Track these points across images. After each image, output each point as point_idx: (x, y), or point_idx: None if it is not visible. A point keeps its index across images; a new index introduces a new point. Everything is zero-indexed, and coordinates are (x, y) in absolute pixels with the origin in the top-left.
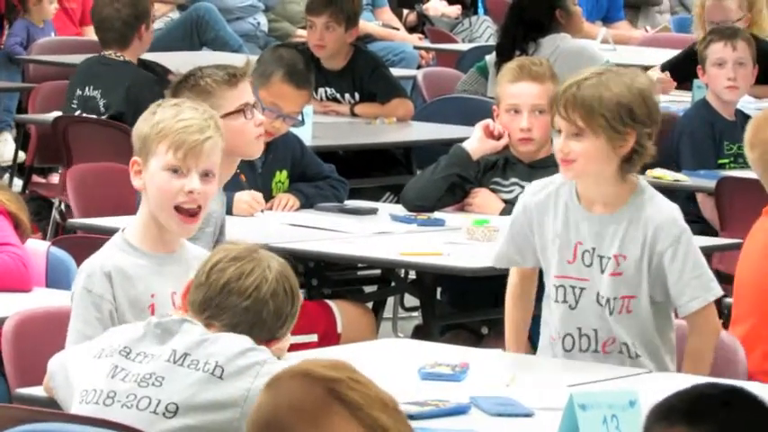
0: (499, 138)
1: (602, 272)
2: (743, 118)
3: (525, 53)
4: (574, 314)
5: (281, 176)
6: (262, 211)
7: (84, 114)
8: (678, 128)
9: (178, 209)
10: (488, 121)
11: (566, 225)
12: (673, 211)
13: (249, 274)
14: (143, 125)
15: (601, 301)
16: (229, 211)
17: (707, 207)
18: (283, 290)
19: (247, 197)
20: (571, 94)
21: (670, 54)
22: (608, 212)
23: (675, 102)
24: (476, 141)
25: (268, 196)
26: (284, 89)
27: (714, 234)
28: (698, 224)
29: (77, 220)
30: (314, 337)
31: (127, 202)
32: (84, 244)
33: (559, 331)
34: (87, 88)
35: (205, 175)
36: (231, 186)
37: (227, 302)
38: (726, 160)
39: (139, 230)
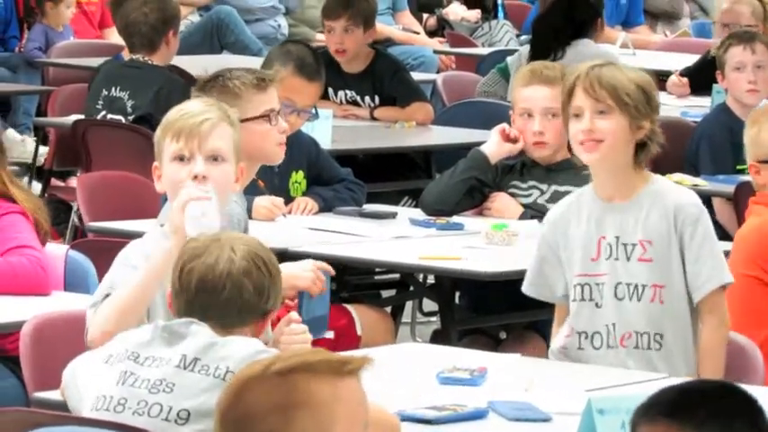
0: (515, 141)
1: (629, 259)
2: None
3: (562, 53)
4: (601, 312)
5: (298, 177)
6: (284, 215)
7: (110, 115)
8: (697, 132)
9: None
10: (504, 125)
11: (588, 223)
12: (691, 194)
13: (215, 265)
14: (158, 130)
15: (620, 293)
16: (249, 215)
17: (723, 213)
18: (255, 266)
19: (267, 202)
20: (596, 74)
21: (689, 59)
22: (629, 198)
23: (693, 107)
24: (493, 145)
25: (285, 197)
26: (295, 83)
27: (730, 240)
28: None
29: (96, 224)
30: (331, 334)
31: (138, 210)
32: (103, 248)
33: (586, 329)
34: (114, 89)
35: (213, 159)
36: (250, 192)
37: (206, 301)
38: (744, 166)
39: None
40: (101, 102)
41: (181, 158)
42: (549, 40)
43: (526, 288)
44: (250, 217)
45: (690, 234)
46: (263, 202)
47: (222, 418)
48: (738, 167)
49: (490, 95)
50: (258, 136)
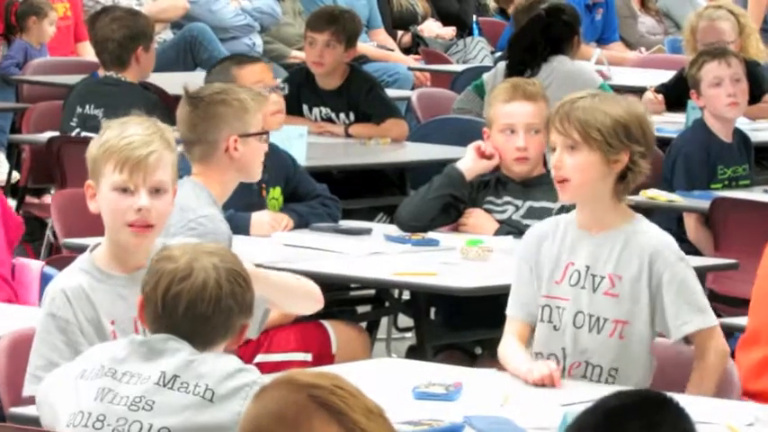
0: (491, 158)
1: (594, 290)
2: (740, 139)
3: (537, 69)
4: (557, 334)
5: (275, 193)
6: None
7: (84, 133)
8: (674, 149)
9: (131, 226)
10: (480, 141)
11: (561, 246)
12: (670, 238)
13: (203, 289)
14: (92, 147)
15: (578, 321)
16: (244, 232)
17: (691, 229)
18: (237, 284)
19: (267, 217)
20: (568, 109)
21: (664, 75)
22: (605, 231)
23: (668, 123)
24: (469, 162)
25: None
26: (248, 71)
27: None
28: (684, 245)
29: (71, 240)
30: (308, 356)
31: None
32: None
33: (543, 351)
34: (88, 106)
35: (156, 191)
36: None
37: (194, 327)
38: (718, 185)
39: (104, 251)
40: (75, 119)
41: (124, 189)
42: (525, 56)
43: (509, 308)
44: (246, 232)
45: (669, 277)
46: (264, 217)
47: (251, 402)
48: (712, 186)
49: (465, 112)
50: (254, 151)
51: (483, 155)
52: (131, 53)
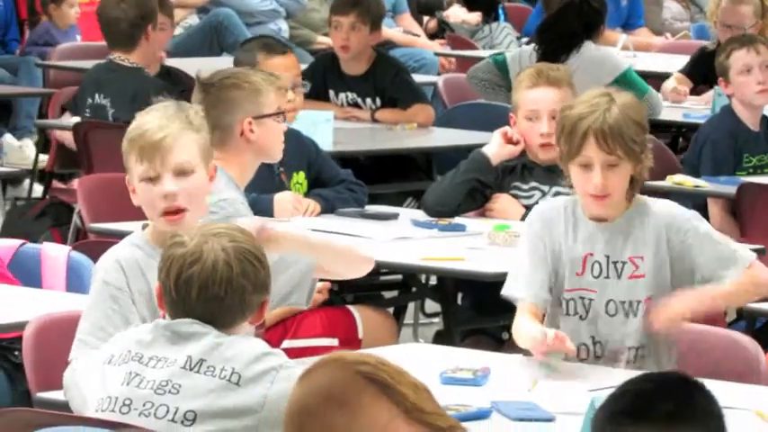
0: (517, 143)
1: (619, 277)
2: (764, 123)
3: (566, 57)
4: (584, 324)
5: (299, 177)
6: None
7: None
8: (701, 135)
9: (165, 215)
10: (506, 127)
11: (575, 237)
12: (672, 204)
13: (213, 271)
14: (123, 142)
15: (611, 309)
16: (269, 213)
17: (716, 217)
18: (249, 262)
19: (290, 197)
20: (608, 124)
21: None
22: (618, 218)
23: (694, 108)
24: (495, 147)
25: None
26: (273, 63)
27: None
28: None
29: (97, 225)
30: (335, 342)
31: (138, 211)
32: (104, 249)
33: (573, 342)
34: (98, 96)
35: (180, 173)
36: (272, 188)
37: (208, 310)
38: (743, 173)
39: (154, 231)
40: (88, 110)
41: (149, 179)
42: (561, 42)
43: (524, 292)
44: (270, 214)
45: (691, 241)
46: (287, 197)
47: (297, 383)
48: (737, 173)
49: (482, 81)
50: (271, 132)
51: (509, 140)
52: (142, 32)
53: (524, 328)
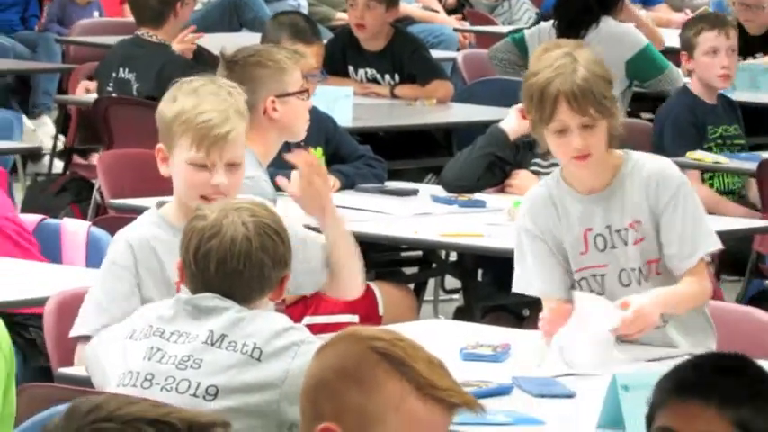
0: None
1: (626, 244)
2: (724, 101)
3: (585, 31)
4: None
5: (317, 153)
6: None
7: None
8: (661, 115)
9: (204, 198)
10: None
11: (568, 218)
12: (667, 163)
13: (232, 244)
14: (165, 110)
15: (624, 279)
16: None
17: (752, 189)
18: (268, 237)
19: None
20: (578, 86)
21: None
22: (606, 186)
23: None
24: (512, 122)
25: None
26: (295, 49)
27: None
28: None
29: (117, 201)
30: (355, 318)
31: (158, 187)
32: (124, 224)
33: None
34: (123, 70)
35: (231, 165)
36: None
37: (227, 283)
38: (711, 144)
39: (175, 209)
40: (111, 84)
41: (201, 165)
42: (578, 17)
43: (541, 290)
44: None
45: (672, 207)
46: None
47: (313, 358)
48: (707, 146)
49: (502, 62)
50: (295, 111)
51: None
52: (171, 9)
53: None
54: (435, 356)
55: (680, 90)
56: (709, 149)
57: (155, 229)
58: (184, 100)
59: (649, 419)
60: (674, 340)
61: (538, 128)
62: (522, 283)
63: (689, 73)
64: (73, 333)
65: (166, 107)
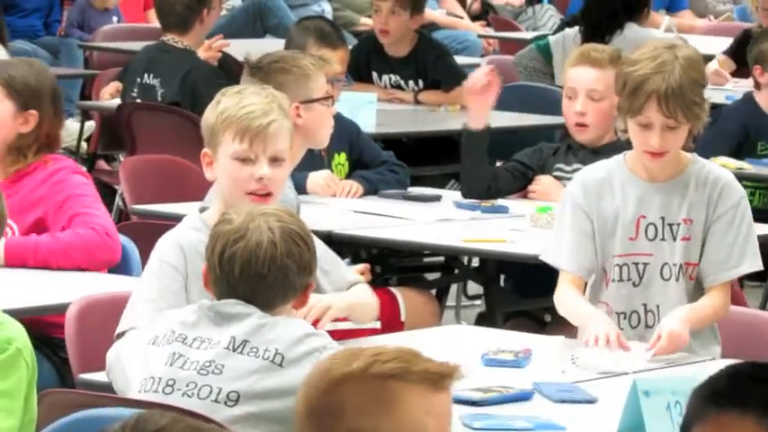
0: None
1: (675, 239)
2: None
3: (610, 37)
4: (638, 291)
5: (341, 159)
6: (335, 195)
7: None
8: (713, 118)
9: (251, 194)
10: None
11: (625, 201)
12: (732, 175)
13: (257, 249)
14: (210, 115)
15: (665, 273)
16: (302, 190)
17: None
18: (294, 243)
19: (325, 175)
20: (669, 90)
21: None
22: (672, 179)
23: (734, 91)
24: (470, 112)
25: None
26: (320, 54)
27: None
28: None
29: (139, 206)
30: (377, 324)
31: (181, 193)
32: (147, 230)
33: (624, 310)
34: (147, 76)
35: (274, 159)
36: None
37: (252, 287)
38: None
39: (216, 212)
40: (136, 89)
41: (243, 159)
42: (603, 22)
43: (556, 258)
44: (304, 191)
45: (730, 216)
46: (322, 174)
47: (309, 408)
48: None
49: (527, 69)
50: (319, 117)
51: (477, 92)
52: (197, 15)
53: (573, 303)
54: (406, 348)
55: (743, 98)
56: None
57: (199, 234)
58: (228, 101)
59: (684, 430)
60: (691, 345)
61: (623, 113)
62: (554, 254)
63: (757, 85)
64: (121, 328)
65: (210, 112)
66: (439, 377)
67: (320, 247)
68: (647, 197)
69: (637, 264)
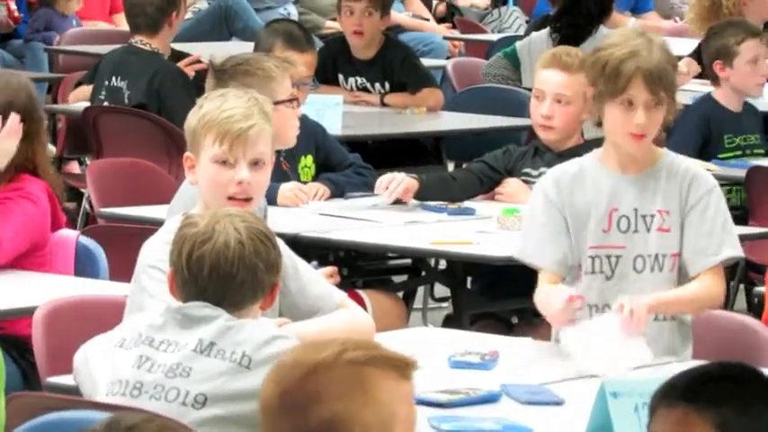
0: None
1: (648, 230)
2: (749, 109)
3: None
4: (610, 284)
5: (307, 161)
6: (308, 202)
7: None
8: (676, 120)
9: (231, 199)
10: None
11: (598, 193)
12: (702, 168)
13: (225, 248)
14: (191, 119)
15: (638, 266)
16: (273, 202)
17: None
18: (261, 242)
19: (293, 187)
20: (653, 66)
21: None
22: (644, 170)
23: (699, 91)
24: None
25: (296, 182)
26: (286, 56)
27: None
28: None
29: (106, 210)
30: None
31: (148, 196)
32: (113, 233)
33: (597, 302)
34: (115, 79)
35: (254, 163)
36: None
37: (221, 288)
38: (728, 154)
39: None
40: (103, 92)
41: (224, 162)
42: (583, 24)
43: (532, 256)
44: (274, 203)
45: (704, 205)
46: (289, 187)
47: (283, 400)
48: (720, 156)
49: (497, 78)
50: (285, 119)
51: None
52: (167, 18)
53: (547, 299)
54: (380, 344)
55: (702, 97)
56: (726, 161)
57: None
58: (209, 104)
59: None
60: (675, 338)
61: (600, 101)
62: (531, 253)
63: (716, 80)
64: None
65: (192, 116)
66: (404, 365)
67: (301, 264)
68: (620, 189)
69: (609, 257)
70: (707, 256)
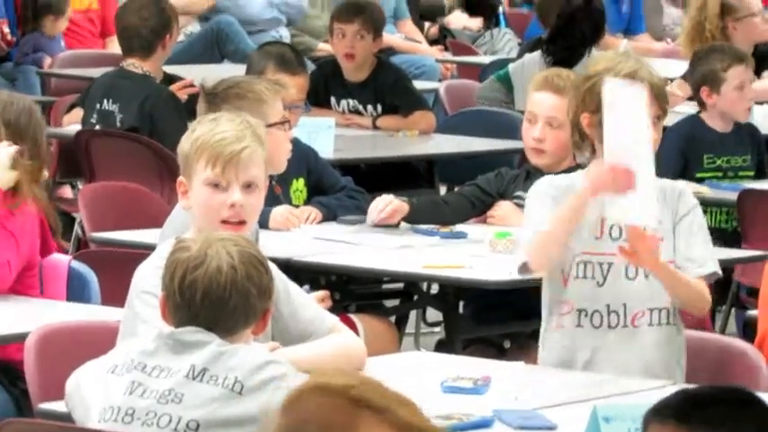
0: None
1: None
2: (745, 130)
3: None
4: (602, 291)
5: (299, 185)
6: (300, 226)
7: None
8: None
9: (225, 222)
10: None
11: (592, 201)
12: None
13: (218, 273)
14: (184, 143)
15: (630, 273)
16: (264, 226)
17: None
18: (253, 267)
19: (284, 211)
20: (658, 81)
21: None
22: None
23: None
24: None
25: (288, 205)
26: (278, 78)
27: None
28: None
29: (98, 234)
30: None
31: (140, 220)
32: (106, 258)
33: (586, 308)
34: (106, 102)
35: (247, 186)
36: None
37: (213, 313)
38: (706, 174)
39: None
40: (95, 115)
41: (216, 185)
42: (576, 46)
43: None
44: (266, 226)
45: (691, 218)
46: (281, 211)
47: (282, 412)
48: (697, 175)
49: (490, 101)
50: (276, 142)
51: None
52: (160, 41)
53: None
54: (403, 394)
55: (686, 117)
56: (701, 180)
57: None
58: (202, 128)
59: None
60: (674, 341)
61: (599, 125)
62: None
63: (702, 106)
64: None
65: (185, 140)
66: (409, 426)
67: (293, 288)
68: (610, 197)
69: (601, 264)
70: (696, 265)
